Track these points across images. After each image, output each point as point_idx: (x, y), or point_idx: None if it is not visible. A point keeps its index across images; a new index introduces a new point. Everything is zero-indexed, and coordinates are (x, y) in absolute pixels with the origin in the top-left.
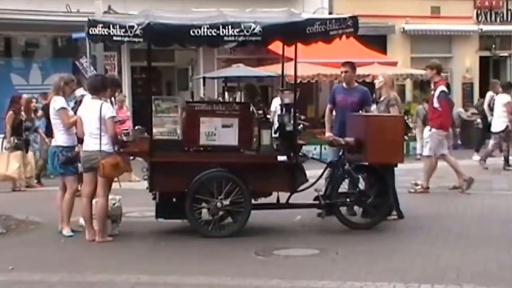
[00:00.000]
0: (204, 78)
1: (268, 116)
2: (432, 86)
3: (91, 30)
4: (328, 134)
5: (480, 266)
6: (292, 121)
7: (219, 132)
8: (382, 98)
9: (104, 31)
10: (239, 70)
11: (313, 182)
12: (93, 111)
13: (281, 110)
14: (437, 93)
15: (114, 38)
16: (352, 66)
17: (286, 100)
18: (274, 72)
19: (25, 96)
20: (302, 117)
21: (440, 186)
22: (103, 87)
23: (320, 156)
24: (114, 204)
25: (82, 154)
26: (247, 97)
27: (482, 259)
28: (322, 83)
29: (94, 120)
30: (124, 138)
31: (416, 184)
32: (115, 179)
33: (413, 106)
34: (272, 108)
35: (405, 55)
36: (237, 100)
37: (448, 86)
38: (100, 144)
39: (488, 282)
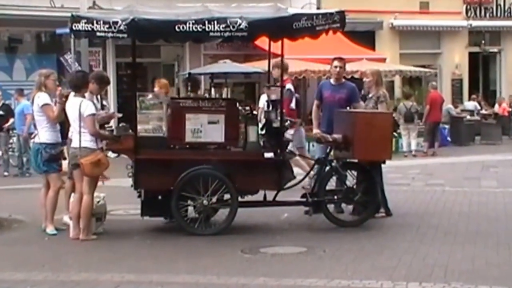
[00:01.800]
0: (189, 74)
1: (255, 112)
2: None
3: (75, 26)
4: (315, 130)
5: (468, 264)
6: (279, 118)
7: (205, 129)
8: (370, 95)
9: (87, 27)
10: (226, 66)
11: (300, 180)
12: (74, 109)
13: (268, 106)
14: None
15: (98, 34)
16: (344, 62)
17: (273, 97)
18: (261, 68)
19: None
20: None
21: (428, 183)
22: (84, 83)
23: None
24: (98, 202)
25: (70, 151)
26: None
27: (470, 257)
28: (310, 79)
29: (75, 118)
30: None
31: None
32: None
33: (402, 102)
34: (260, 104)
35: (394, 51)
36: (224, 95)
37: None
38: (80, 141)
39: (476, 280)
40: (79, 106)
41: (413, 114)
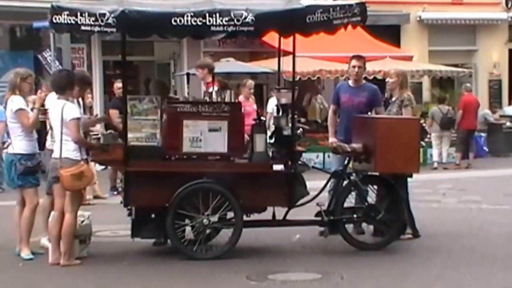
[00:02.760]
0: (188, 74)
1: (262, 118)
2: (205, 88)
3: (55, 19)
4: (331, 139)
5: None
6: (290, 125)
7: (206, 137)
8: (393, 99)
9: (70, 20)
10: (229, 65)
11: (314, 196)
12: (56, 113)
13: (278, 111)
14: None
15: (82, 27)
16: (364, 61)
17: (283, 100)
18: (269, 68)
19: None
20: (302, 119)
21: (462, 200)
22: (69, 84)
23: (323, 165)
24: (82, 221)
25: (51, 161)
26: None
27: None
28: (325, 80)
29: (57, 123)
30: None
31: None
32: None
33: (431, 107)
34: (268, 109)
35: (422, 48)
36: (227, 99)
37: (226, 86)
38: (61, 150)
39: None
40: (62, 110)
41: (450, 120)
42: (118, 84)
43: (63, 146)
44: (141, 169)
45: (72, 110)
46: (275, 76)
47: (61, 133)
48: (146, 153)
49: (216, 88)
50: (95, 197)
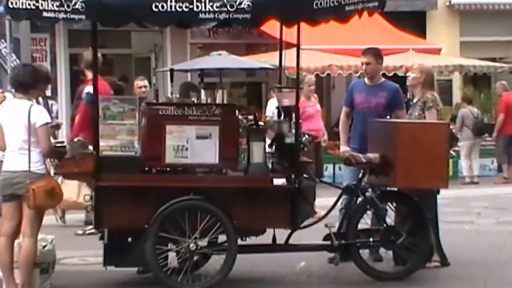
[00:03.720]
0: (172, 71)
1: (261, 123)
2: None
3: (12, 3)
4: (343, 148)
5: None
6: (293, 131)
7: (193, 146)
8: (415, 99)
9: (30, 4)
10: (221, 60)
11: (323, 215)
12: (19, 116)
13: (279, 115)
14: (83, 95)
15: (44, 14)
16: (377, 55)
17: (286, 102)
18: (269, 63)
19: None
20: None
21: (500, 221)
22: (34, 82)
23: (333, 179)
24: (44, 247)
25: (1, 177)
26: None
27: None
28: (336, 77)
29: (20, 129)
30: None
31: None
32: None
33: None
34: (268, 112)
35: (452, 39)
36: (218, 100)
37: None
38: (29, 162)
39: None
40: (28, 113)
41: (486, 125)
42: (139, 82)
43: (31, 158)
44: (116, 183)
45: (42, 113)
46: (276, 73)
47: (29, 141)
48: (122, 165)
49: (90, 88)
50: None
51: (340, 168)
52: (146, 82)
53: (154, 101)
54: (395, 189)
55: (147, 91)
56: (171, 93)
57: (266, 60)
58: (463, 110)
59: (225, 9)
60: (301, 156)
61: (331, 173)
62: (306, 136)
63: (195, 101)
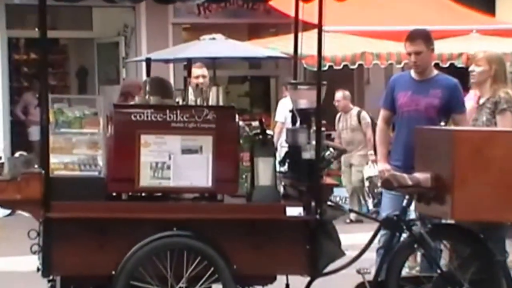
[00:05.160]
0: (149, 61)
1: (269, 132)
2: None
3: None
4: (382, 166)
5: None
6: (313, 142)
7: (177, 163)
8: (483, 100)
9: None
10: (215, 46)
11: (354, 257)
12: None
13: (293, 121)
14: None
15: None
16: (428, 39)
17: (303, 103)
18: (280, 51)
19: None
20: (334, 134)
21: None
22: None
23: (367, 208)
24: None
25: None
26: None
27: None
28: (371, 69)
29: None
30: None
31: None
32: None
33: None
34: (278, 117)
35: None
36: (212, 101)
37: None
38: None
39: None
40: None
41: None
42: (196, 70)
43: None
44: (71, 214)
45: None
46: (289, 64)
47: None
48: (80, 189)
49: None
50: None
51: None
52: (205, 70)
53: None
54: (453, 222)
55: (205, 82)
56: (148, 92)
57: (276, 46)
58: None
59: None
60: (324, 176)
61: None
62: (331, 149)
63: (180, 102)
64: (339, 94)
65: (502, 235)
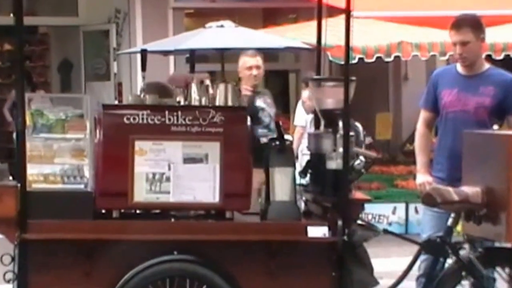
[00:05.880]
0: (144, 52)
1: (288, 137)
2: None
3: None
4: (422, 178)
5: None
6: (340, 150)
7: (178, 175)
8: None
9: None
10: (224, 35)
11: (390, 287)
12: None
13: (317, 124)
14: None
15: None
16: (478, 27)
17: (328, 103)
18: (301, 40)
19: None
20: (367, 139)
21: None
22: None
23: (405, 229)
24: None
25: None
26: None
27: None
28: (409, 63)
29: None
30: None
31: None
32: None
33: None
34: (298, 120)
35: None
36: (219, 100)
37: None
38: None
39: None
40: None
41: None
42: (249, 59)
43: None
44: (52, 236)
45: None
46: (312, 57)
47: None
48: (63, 205)
49: None
50: None
51: (416, 210)
52: (259, 60)
53: (116, 102)
54: (509, 245)
55: (260, 74)
56: (143, 89)
57: (296, 35)
58: None
59: None
60: (353, 189)
61: (402, 217)
62: (361, 158)
63: (182, 102)
64: (306, 93)
65: None
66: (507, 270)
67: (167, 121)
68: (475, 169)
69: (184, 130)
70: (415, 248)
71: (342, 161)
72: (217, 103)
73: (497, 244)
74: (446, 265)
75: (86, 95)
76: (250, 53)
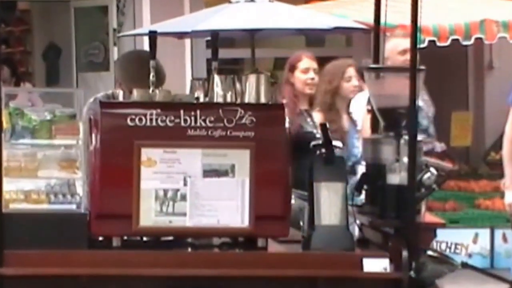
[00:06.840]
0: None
1: (337, 144)
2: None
3: None
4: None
5: None
6: (405, 159)
7: (197, 191)
8: None
9: None
10: (254, 12)
11: None
12: None
13: (374, 126)
14: None
15: None
16: None
17: (389, 100)
18: (352, 19)
19: None
20: (440, 145)
21: None
22: None
23: (490, 261)
24: None
25: None
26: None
27: None
28: (495, 47)
29: None
30: None
31: None
32: None
33: None
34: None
35: None
36: (249, 96)
37: None
38: None
39: None
40: None
41: None
42: (306, 61)
43: None
44: (34, 271)
45: None
46: (367, 40)
47: None
48: (49, 231)
49: None
50: None
51: (505, 238)
52: (314, 63)
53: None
54: None
55: (315, 81)
56: (152, 83)
57: (347, 12)
58: None
59: None
60: (423, 211)
61: (486, 246)
62: (432, 170)
63: (202, 98)
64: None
65: None
66: None
67: (182, 123)
68: None
69: (204, 134)
70: (504, 287)
71: (407, 174)
72: (246, 100)
73: None
74: None
75: (78, 89)
76: (308, 54)
